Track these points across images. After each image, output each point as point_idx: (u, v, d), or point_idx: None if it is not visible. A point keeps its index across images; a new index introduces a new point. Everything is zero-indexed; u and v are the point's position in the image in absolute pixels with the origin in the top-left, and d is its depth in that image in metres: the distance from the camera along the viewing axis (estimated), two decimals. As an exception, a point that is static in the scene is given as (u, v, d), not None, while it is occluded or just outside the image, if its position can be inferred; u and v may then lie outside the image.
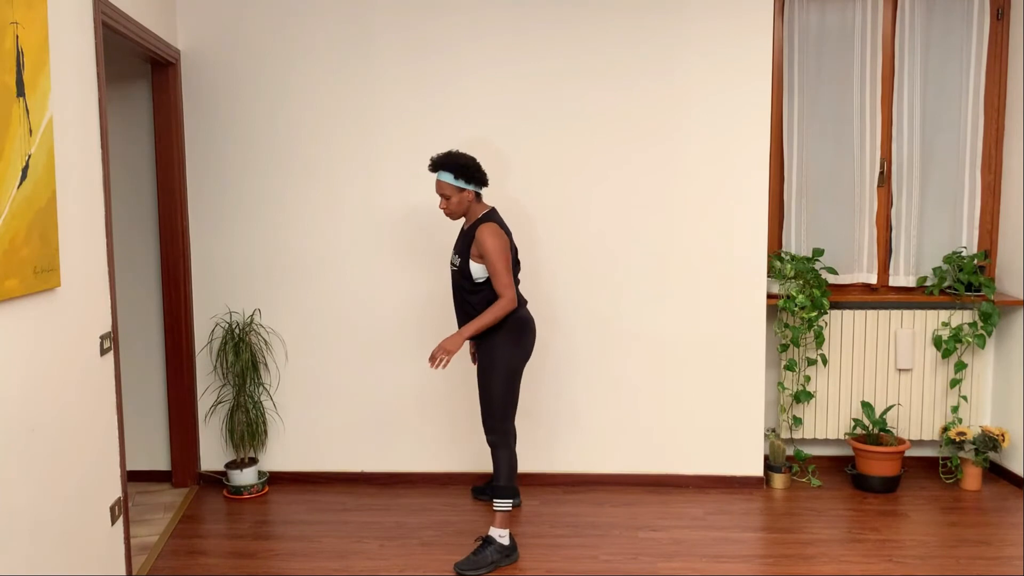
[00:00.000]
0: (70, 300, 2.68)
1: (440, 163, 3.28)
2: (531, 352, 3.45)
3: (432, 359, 3.23)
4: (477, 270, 3.28)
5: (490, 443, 3.37)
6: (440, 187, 3.29)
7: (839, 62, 4.24)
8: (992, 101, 4.20)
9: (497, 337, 3.31)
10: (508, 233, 3.34)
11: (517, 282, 3.40)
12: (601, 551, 3.43)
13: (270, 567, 3.33)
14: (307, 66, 4.01)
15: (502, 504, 3.32)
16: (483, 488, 3.98)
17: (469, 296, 3.34)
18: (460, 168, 3.25)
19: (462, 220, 3.48)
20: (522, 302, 3.42)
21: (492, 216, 3.33)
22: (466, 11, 3.96)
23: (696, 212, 4.02)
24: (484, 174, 3.32)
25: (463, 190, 3.27)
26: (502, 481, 3.33)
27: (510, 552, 3.32)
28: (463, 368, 4.05)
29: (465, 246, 3.31)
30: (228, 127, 4.05)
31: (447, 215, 3.35)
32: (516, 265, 3.40)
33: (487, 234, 3.22)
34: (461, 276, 3.34)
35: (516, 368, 3.36)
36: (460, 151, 3.35)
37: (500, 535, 3.32)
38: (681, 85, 3.96)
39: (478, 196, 3.34)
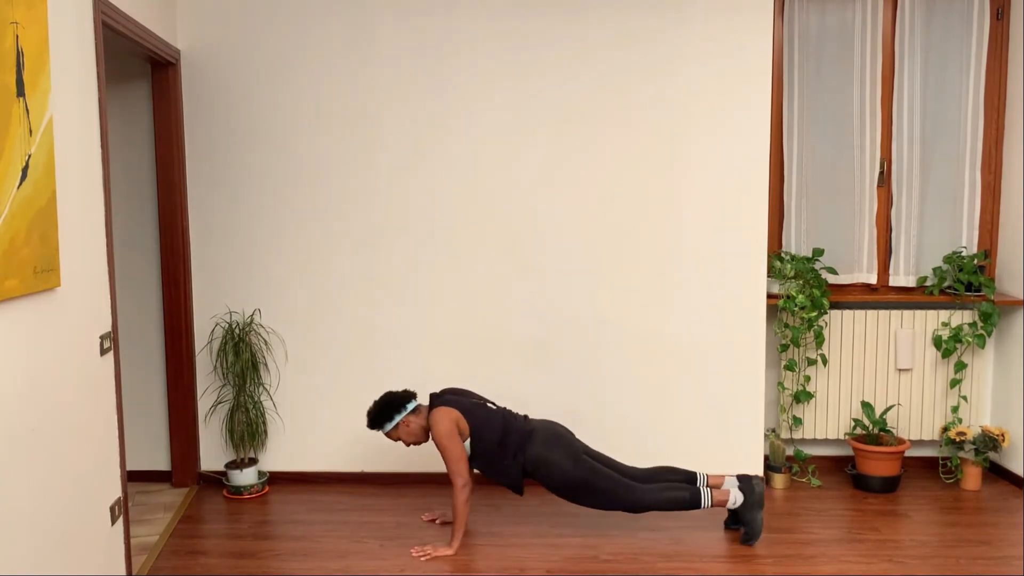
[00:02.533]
0: (70, 300, 2.68)
1: (373, 424, 3.51)
2: (571, 445, 3.47)
3: (420, 551, 3.38)
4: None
5: (641, 511, 3.46)
6: (390, 437, 3.51)
7: (839, 62, 4.24)
8: (992, 101, 4.20)
9: (529, 466, 3.42)
10: (461, 399, 3.46)
11: (493, 418, 3.47)
12: (601, 551, 3.43)
13: (270, 567, 3.33)
14: (307, 66, 4.01)
15: (707, 502, 3.41)
16: (730, 521, 3.73)
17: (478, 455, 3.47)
18: (383, 416, 3.47)
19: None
20: (520, 430, 3.46)
21: (433, 405, 3.45)
22: (467, 12, 3.96)
23: (696, 212, 4.02)
24: (403, 397, 3.48)
25: (402, 423, 3.47)
26: (681, 506, 3.42)
27: (750, 504, 3.44)
28: (463, 368, 4.05)
29: None
30: (228, 127, 4.05)
31: (414, 444, 3.53)
32: (483, 407, 3.50)
33: (434, 423, 3.39)
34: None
35: (567, 461, 3.40)
36: (374, 401, 3.52)
37: (731, 502, 3.45)
38: (681, 85, 3.96)
39: (417, 409, 3.48)
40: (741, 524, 3.50)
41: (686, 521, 3.70)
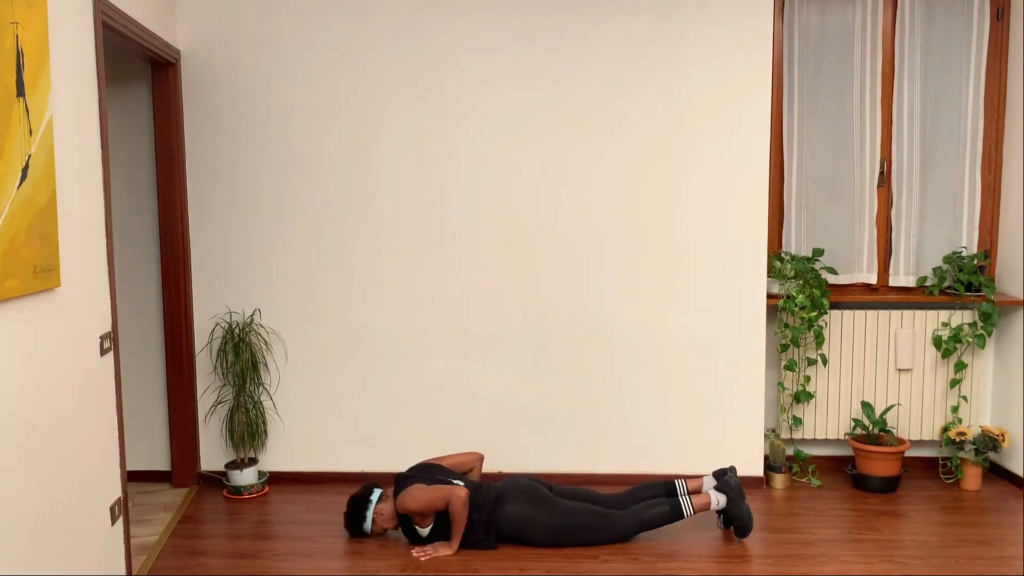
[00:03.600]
0: (70, 300, 2.68)
1: (352, 532, 3.54)
2: (540, 494, 3.47)
3: (420, 551, 3.39)
4: (424, 531, 3.45)
5: (627, 540, 3.47)
6: (374, 533, 3.53)
7: (839, 62, 4.24)
8: (992, 101, 4.20)
9: (506, 526, 3.43)
10: (424, 476, 3.49)
11: (447, 480, 3.49)
12: (601, 551, 3.43)
13: (270, 567, 3.33)
14: (307, 66, 4.01)
15: (687, 509, 3.43)
16: (721, 521, 3.72)
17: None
18: (356, 518, 3.51)
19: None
20: (487, 498, 3.45)
21: (399, 486, 3.47)
22: (467, 12, 3.96)
23: (696, 212, 4.02)
24: (364, 493, 3.53)
25: (375, 515, 3.49)
26: (666, 520, 3.45)
27: (732, 504, 3.45)
28: (462, 368, 4.05)
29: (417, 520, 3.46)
30: (228, 127, 4.05)
31: (395, 525, 3.51)
32: (437, 470, 3.55)
33: (405, 504, 3.39)
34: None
35: (543, 517, 3.40)
36: (343, 513, 3.56)
37: (715, 504, 3.45)
38: (681, 85, 3.96)
39: (383, 496, 3.54)
40: (731, 521, 3.50)
41: (686, 521, 3.69)
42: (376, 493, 3.53)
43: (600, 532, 3.44)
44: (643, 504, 3.50)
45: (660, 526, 3.48)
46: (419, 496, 3.38)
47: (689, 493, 3.52)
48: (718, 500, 3.45)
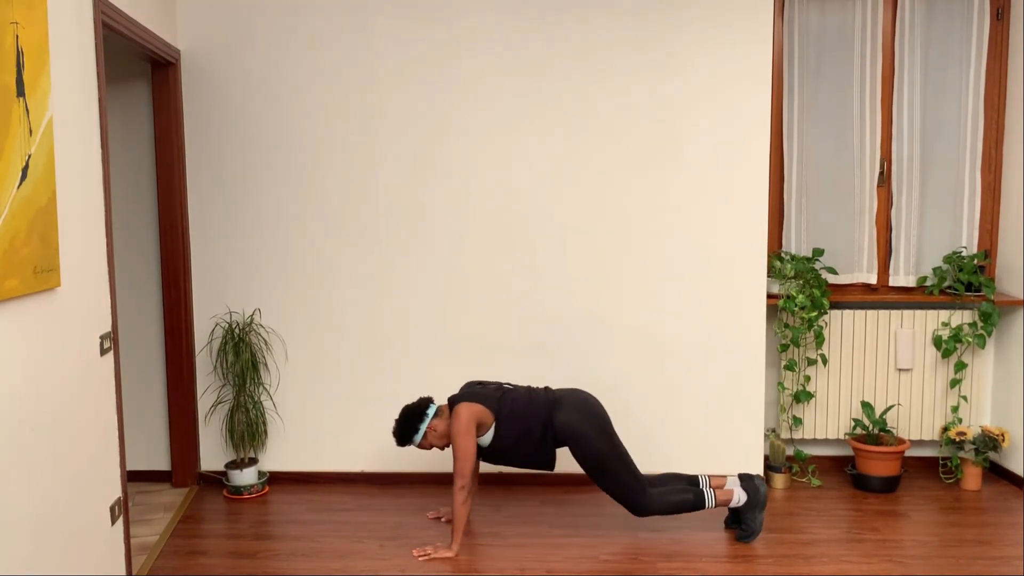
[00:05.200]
0: (70, 300, 2.68)
1: (401, 440, 3.51)
2: (602, 417, 3.47)
3: (421, 552, 3.38)
4: (484, 440, 3.44)
5: (643, 517, 3.47)
6: (422, 447, 3.52)
7: (839, 62, 4.24)
8: (992, 101, 4.20)
9: (565, 440, 3.42)
10: (479, 391, 3.47)
11: (522, 409, 3.46)
12: (601, 551, 3.43)
13: (270, 567, 3.33)
14: (307, 65, 4.01)
15: (711, 504, 3.44)
16: (730, 520, 3.72)
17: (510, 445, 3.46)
18: (408, 429, 3.47)
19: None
20: (545, 401, 3.47)
21: (454, 403, 3.45)
22: (468, 12, 3.96)
23: (696, 212, 4.02)
24: (421, 405, 3.50)
25: (429, 430, 3.46)
26: (687, 508, 3.44)
27: (752, 504, 3.46)
28: (462, 368, 4.05)
29: None
30: (228, 127, 4.05)
31: (448, 445, 3.49)
32: (503, 390, 3.52)
33: (455, 417, 3.39)
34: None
35: (603, 442, 3.41)
36: (395, 420, 3.53)
37: (736, 501, 3.46)
38: (681, 85, 3.96)
39: (439, 412, 3.49)
40: (740, 523, 3.50)
41: (686, 521, 3.69)
42: (434, 407, 3.50)
43: (629, 493, 3.42)
44: (668, 489, 3.49)
45: (680, 512, 3.49)
46: (460, 429, 3.34)
47: (712, 487, 3.52)
48: (739, 497, 3.46)
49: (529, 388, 3.56)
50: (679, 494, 3.46)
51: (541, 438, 3.42)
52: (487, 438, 3.43)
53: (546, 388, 3.59)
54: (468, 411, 3.37)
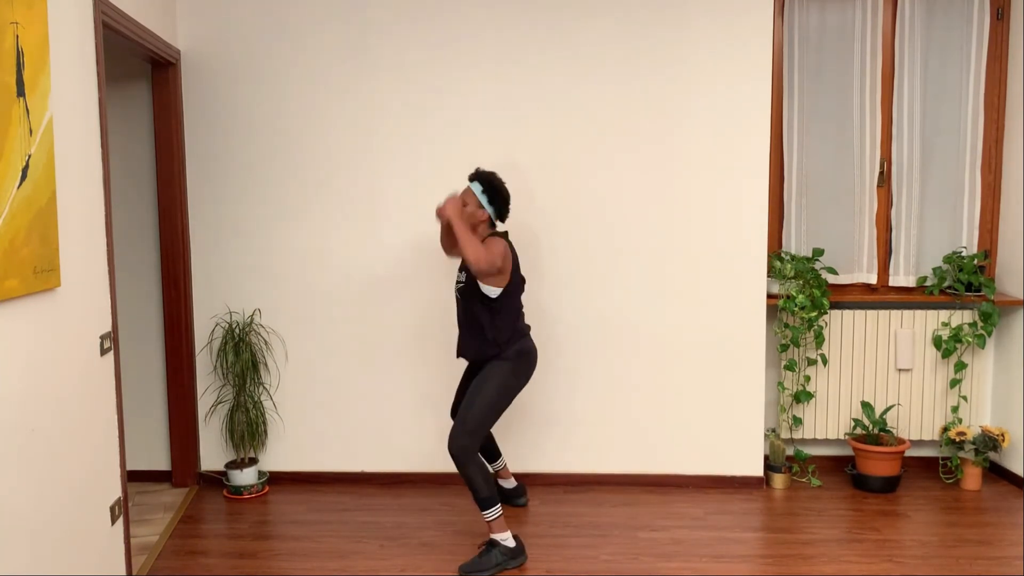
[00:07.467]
0: (70, 300, 2.68)
1: (478, 175, 3.40)
2: (526, 383, 3.48)
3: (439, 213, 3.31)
4: (484, 287, 3.33)
5: (454, 456, 3.27)
6: (466, 193, 3.38)
7: (839, 62, 4.24)
8: (992, 101, 4.20)
9: (503, 365, 3.36)
10: (514, 255, 3.41)
11: (519, 307, 3.46)
12: (601, 551, 3.43)
13: (270, 567, 3.34)
14: (307, 66, 4.01)
15: (489, 514, 3.28)
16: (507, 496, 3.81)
17: (481, 314, 3.35)
18: (492, 188, 3.36)
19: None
20: (525, 331, 3.49)
21: (498, 235, 3.39)
22: (467, 11, 3.96)
23: (696, 212, 4.02)
24: (507, 208, 3.42)
25: (480, 208, 3.35)
26: (482, 493, 3.26)
27: (516, 554, 3.30)
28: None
29: None
30: (228, 127, 4.05)
31: (454, 238, 3.37)
32: (520, 285, 3.46)
33: (494, 241, 3.30)
34: (470, 293, 3.37)
35: (509, 397, 3.40)
36: (502, 181, 3.42)
37: (503, 538, 3.30)
38: (682, 85, 3.96)
39: (491, 224, 3.41)
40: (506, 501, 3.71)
41: (686, 521, 3.70)
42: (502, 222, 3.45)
43: (467, 434, 3.29)
44: (483, 464, 3.37)
45: (470, 489, 3.30)
46: (494, 252, 3.23)
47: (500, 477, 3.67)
48: (507, 536, 3.31)
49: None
50: (484, 479, 3.27)
51: (509, 339, 3.36)
52: (493, 292, 3.33)
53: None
54: (505, 247, 3.29)
